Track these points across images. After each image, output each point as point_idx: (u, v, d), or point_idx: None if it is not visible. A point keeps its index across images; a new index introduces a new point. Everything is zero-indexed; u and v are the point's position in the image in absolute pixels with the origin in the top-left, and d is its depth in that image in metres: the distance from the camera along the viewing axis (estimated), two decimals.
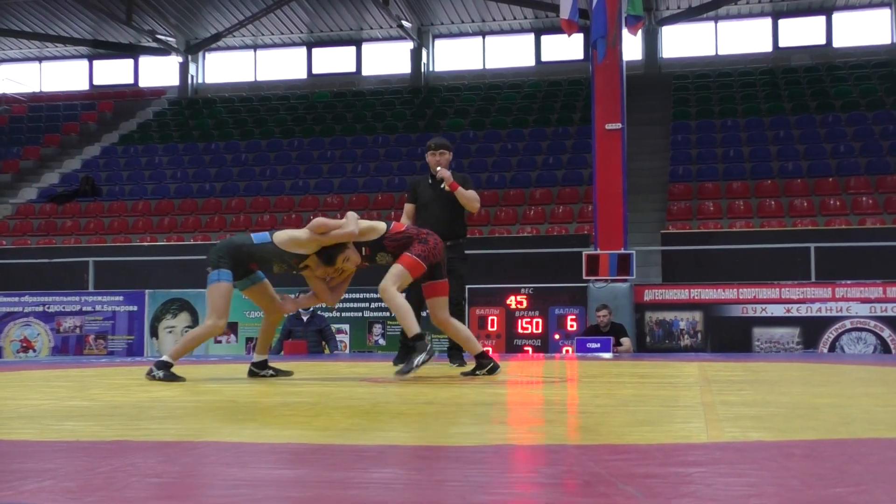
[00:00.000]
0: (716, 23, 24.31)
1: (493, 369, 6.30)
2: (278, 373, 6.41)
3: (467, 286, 12.31)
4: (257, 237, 6.04)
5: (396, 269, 5.98)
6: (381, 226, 6.13)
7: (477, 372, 6.33)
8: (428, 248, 6.04)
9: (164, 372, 5.95)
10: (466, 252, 7.70)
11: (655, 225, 16.60)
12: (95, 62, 28.01)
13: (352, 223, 5.93)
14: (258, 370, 6.39)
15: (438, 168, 7.30)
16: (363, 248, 6.05)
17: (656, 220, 17.05)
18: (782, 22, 23.96)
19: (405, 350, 7.06)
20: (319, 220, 5.95)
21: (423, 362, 5.90)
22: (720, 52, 24.23)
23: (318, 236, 5.89)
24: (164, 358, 6.03)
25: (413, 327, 5.95)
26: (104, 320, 13.81)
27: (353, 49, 26.31)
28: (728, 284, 12.10)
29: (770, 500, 2.09)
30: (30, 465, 2.68)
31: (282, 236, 5.99)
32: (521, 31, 25.41)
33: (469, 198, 7.28)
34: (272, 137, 22.69)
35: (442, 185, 7.30)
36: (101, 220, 19.26)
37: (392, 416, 3.96)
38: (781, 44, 23.89)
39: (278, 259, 6.02)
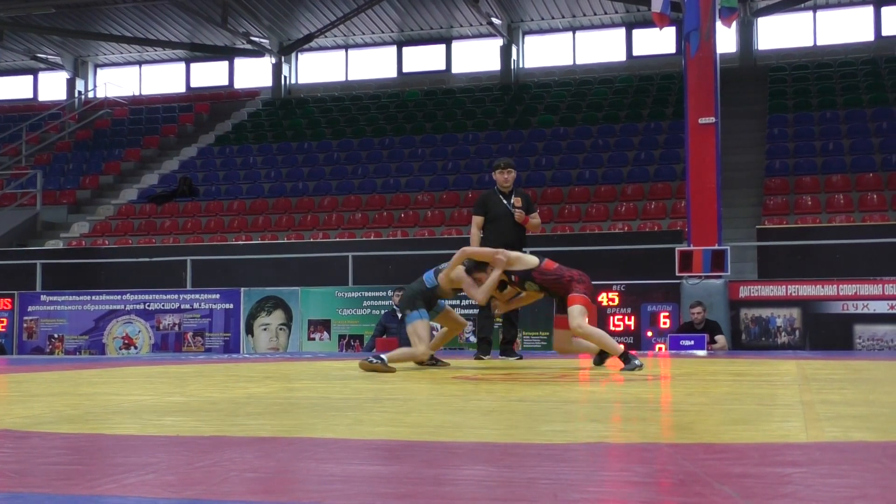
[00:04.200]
0: (814, 12, 23.67)
1: (634, 368, 6.69)
2: (438, 362, 7.43)
3: None
4: (427, 279, 7.28)
5: (576, 309, 6.84)
6: (533, 260, 7.00)
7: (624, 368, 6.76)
8: (586, 286, 6.94)
9: (381, 362, 6.71)
10: None
11: (751, 220, 16.27)
12: (192, 65, 28.64)
13: (500, 265, 6.96)
14: (427, 361, 7.36)
15: (515, 211, 8.11)
16: (512, 276, 7.04)
17: (752, 215, 16.71)
18: (885, 10, 23.20)
19: (485, 344, 8.27)
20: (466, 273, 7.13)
21: (639, 367, 6.57)
22: (819, 43, 23.58)
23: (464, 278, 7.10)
24: (384, 356, 6.83)
25: (616, 347, 6.81)
26: (202, 318, 14.13)
27: (442, 47, 26.38)
28: (827, 280, 11.79)
29: (874, 503, 2.03)
30: (132, 459, 2.76)
31: (442, 279, 7.20)
32: (612, 25, 25.14)
33: (536, 226, 8.36)
34: (364, 136, 22.90)
35: (513, 211, 8.13)
36: (199, 219, 19.70)
37: (483, 414, 3.97)
38: (884, 32, 23.14)
39: (449, 294, 7.38)
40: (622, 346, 6.84)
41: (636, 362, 6.57)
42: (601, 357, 7.08)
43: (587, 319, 6.92)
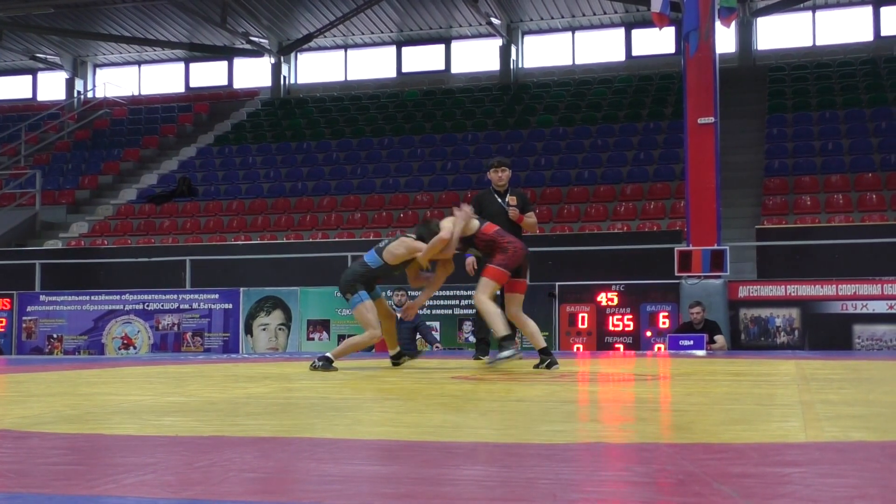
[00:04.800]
0: (813, 12, 23.68)
1: (551, 364, 6.84)
2: (414, 356, 7.74)
3: (557, 283, 12.46)
4: (370, 259, 7.27)
5: (484, 281, 6.92)
6: (475, 224, 7.09)
7: (538, 366, 6.89)
8: (507, 257, 6.90)
9: (324, 363, 6.90)
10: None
11: (750, 220, 16.27)
12: (191, 65, 28.64)
13: (447, 228, 6.98)
14: (397, 360, 7.57)
15: (508, 208, 8.19)
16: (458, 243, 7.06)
17: (751, 215, 16.71)
18: (884, 10, 23.20)
19: (483, 345, 8.34)
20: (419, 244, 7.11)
21: (510, 357, 6.84)
22: (818, 43, 23.59)
23: (418, 251, 7.07)
24: (328, 354, 7.03)
25: (501, 329, 6.88)
26: (201, 318, 14.13)
27: (442, 47, 26.38)
28: (827, 280, 11.79)
29: (873, 503, 2.03)
30: (131, 459, 2.76)
31: (393, 252, 7.18)
32: (612, 25, 25.14)
33: (531, 225, 8.35)
34: (363, 136, 22.90)
35: (507, 208, 8.22)
36: (198, 219, 19.69)
37: (482, 414, 3.97)
38: (883, 32, 23.14)
39: (395, 270, 7.32)
40: (506, 332, 6.86)
41: (507, 353, 6.74)
42: (541, 361, 6.88)
43: (489, 294, 6.89)
